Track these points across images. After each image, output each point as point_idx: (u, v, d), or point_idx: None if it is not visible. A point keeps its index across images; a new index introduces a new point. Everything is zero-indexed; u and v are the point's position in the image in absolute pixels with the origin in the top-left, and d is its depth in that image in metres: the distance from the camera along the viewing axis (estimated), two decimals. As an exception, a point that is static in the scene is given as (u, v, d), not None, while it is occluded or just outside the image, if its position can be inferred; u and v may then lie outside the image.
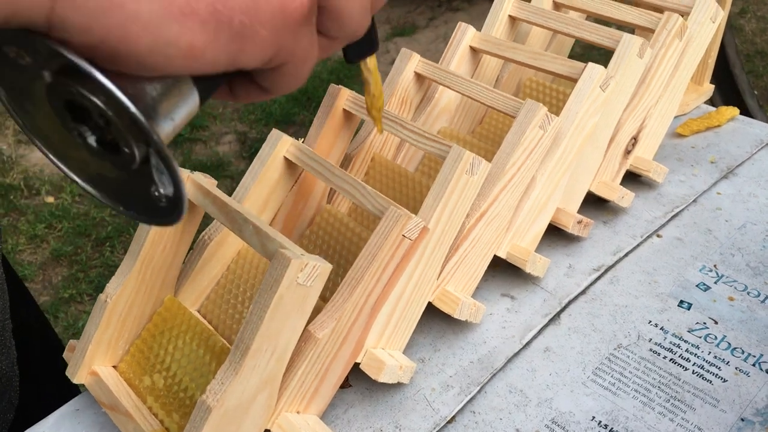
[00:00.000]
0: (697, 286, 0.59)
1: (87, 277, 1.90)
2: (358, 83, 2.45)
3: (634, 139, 0.65)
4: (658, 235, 0.64)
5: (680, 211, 0.67)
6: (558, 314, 0.57)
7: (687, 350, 0.54)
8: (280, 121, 2.43)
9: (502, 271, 0.60)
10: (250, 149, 2.30)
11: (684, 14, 0.66)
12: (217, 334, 0.50)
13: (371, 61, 0.42)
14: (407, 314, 0.51)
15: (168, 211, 0.30)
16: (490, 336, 0.55)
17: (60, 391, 0.59)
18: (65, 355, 0.52)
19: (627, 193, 0.64)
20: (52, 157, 0.30)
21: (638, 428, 0.49)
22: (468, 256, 0.54)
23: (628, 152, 0.65)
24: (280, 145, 0.53)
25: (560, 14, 0.63)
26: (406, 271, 0.49)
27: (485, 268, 0.56)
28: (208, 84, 0.31)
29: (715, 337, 0.55)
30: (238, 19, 0.27)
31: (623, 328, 0.56)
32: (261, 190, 0.54)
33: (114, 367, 0.51)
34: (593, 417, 0.50)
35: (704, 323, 0.56)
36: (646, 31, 0.64)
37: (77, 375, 0.50)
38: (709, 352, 0.54)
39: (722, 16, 0.65)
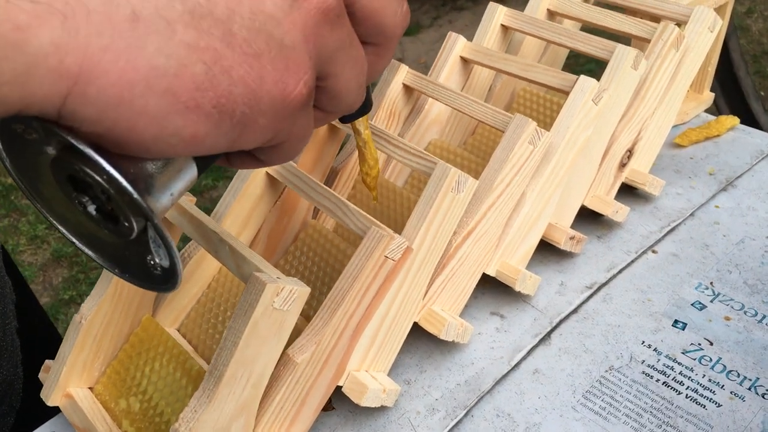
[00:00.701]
0: (692, 304, 0.57)
1: (87, 278, 1.89)
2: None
3: (630, 152, 0.63)
4: (654, 251, 0.63)
5: (677, 226, 0.65)
6: (548, 334, 0.56)
7: (681, 373, 0.52)
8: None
9: (492, 288, 0.59)
10: (251, 150, 2.29)
11: (681, 23, 0.64)
12: (194, 356, 0.49)
13: (364, 122, 0.45)
14: (391, 335, 0.50)
15: (163, 280, 0.31)
16: (478, 357, 0.54)
17: None
18: (40, 375, 0.51)
19: (621, 208, 0.62)
20: (51, 219, 0.31)
21: (628, 456, 0.47)
22: (455, 275, 0.53)
23: (623, 165, 0.63)
24: (262, 161, 0.52)
25: (553, 24, 0.62)
26: (389, 292, 0.48)
27: (473, 286, 0.54)
28: (206, 159, 0.32)
29: (710, 359, 0.53)
30: (240, 110, 0.28)
31: (615, 349, 0.54)
32: (242, 206, 0.52)
33: (90, 388, 0.50)
34: (582, 443, 0.48)
35: (699, 344, 0.54)
36: (642, 41, 0.63)
37: (51, 397, 0.48)
38: (704, 375, 0.52)
39: (721, 25, 0.64)
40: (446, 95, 0.57)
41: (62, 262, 1.96)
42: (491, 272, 0.55)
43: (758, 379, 0.51)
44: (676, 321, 0.56)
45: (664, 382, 0.52)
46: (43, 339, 0.73)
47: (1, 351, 0.60)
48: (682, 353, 0.54)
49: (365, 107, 0.43)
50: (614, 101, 0.58)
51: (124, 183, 0.27)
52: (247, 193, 0.52)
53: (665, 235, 0.64)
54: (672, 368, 0.53)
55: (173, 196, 0.31)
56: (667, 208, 0.66)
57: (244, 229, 0.53)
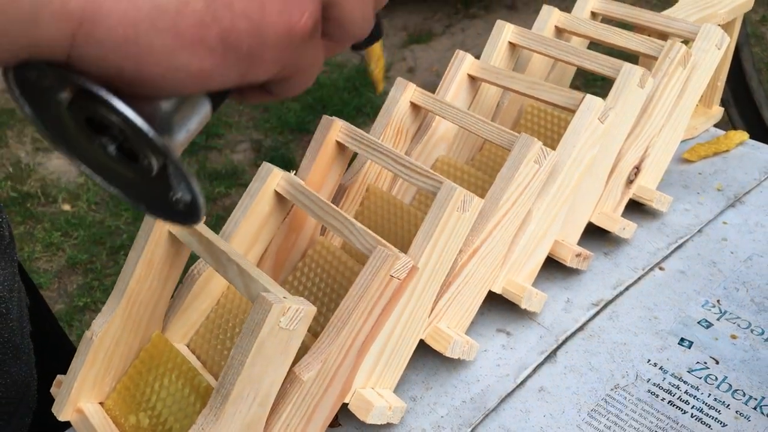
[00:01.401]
0: (698, 322, 0.57)
1: (102, 285, 1.91)
2: (373, 90, 2.45)
3: (637, 169, 0.63)
4: (661, 268, 0.63)
5: (684, 242, 0.65)
6: (554, 351, 0.56)
7: (686, 392, 0.52)
8: (294, 129, 2.43)
9: (499, 305, 0.59)
10: (265, 157, 2.30)
11: (689, 40, 0.64)
12: (203, 373, 0.49)
13: (376, 47, 0.43)
14: (397, 353, 0.50)
15: (186, 215, 0.32)
16: (484, 374, 0.54)
17: None
18: (52, 390, 0.52)
19: (628, 224, 0.63)
20: (77, 163, 0.32)
21: (632, 475, 0.47)
22: (461, 293, 0.53)
23: (630, 182, 0.63)
24: (270, 179, 0.52)
25: (560, 42, 0.62)
26: (395, 310, 0.48)
27: (479, 304, 0.55)
28: (219, 95, 0.33)
29: (716, 378, 0.53)
30: (246, 44, 0.28)
31: (621, 367, 0.54)
32: (251, 224, 0.53)
33: (101, 403, 0.51)
34: (586, 462, 0.48)
35: (705, 363, 0.54)
36: (650, 59, 0.63)
37: (63, 412, 0.49)
38: (709, 394, 0.52)
39: (728, 42, 0.64)
40: (453, 113, 0.57)
41: (77, 269, 1.98)
42: (497, 289, 0.56)
43: (764, 398, 0.51)
44: (682, 339, 0.56)
45: (669, 401, 0.52)
46: (54, 345, 0.75)
47: (19, 353, 0.62)
48: (688, 372, 0.54)
49: (375, 34, 0.42)
50: (621, 119, 0.58)
51: (139, 121, 0.28)
52: (255, 211, 0.53)
53: (672, 252, 0.64)
54: (678, 387, 0.53)
55: (189, 132, 0.32)
56: (674, 225, 0.66)
57: (253, 246, 0.54)
